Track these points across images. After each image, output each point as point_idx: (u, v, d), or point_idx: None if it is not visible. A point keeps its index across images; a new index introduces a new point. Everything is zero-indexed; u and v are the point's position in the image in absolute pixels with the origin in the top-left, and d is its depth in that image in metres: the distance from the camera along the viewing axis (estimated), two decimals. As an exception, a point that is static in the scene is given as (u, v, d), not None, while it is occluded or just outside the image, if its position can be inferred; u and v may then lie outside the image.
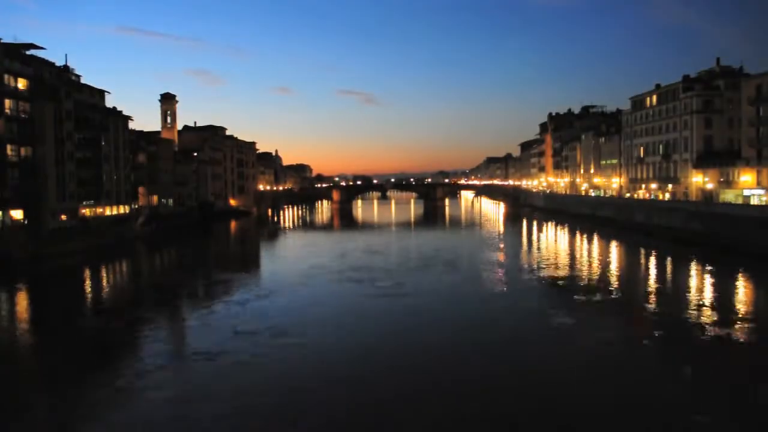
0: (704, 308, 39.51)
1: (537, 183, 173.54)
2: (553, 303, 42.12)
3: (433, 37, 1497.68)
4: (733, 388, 25.35)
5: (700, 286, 48.85)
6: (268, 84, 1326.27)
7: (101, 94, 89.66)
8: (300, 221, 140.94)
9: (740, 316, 37.53)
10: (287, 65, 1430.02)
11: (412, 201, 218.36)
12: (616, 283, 51.04)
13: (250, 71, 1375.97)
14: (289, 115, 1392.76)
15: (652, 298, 44.31)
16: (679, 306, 40.41)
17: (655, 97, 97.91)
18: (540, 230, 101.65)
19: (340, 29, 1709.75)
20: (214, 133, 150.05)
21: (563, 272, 55.23)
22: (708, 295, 44.83)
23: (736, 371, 27.44)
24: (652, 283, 50.88)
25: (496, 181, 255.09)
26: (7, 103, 66.30)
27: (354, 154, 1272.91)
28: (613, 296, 45.10)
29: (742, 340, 32.60)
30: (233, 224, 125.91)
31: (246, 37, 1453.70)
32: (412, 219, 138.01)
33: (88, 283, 57.34)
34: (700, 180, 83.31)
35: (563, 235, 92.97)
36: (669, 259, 63.18)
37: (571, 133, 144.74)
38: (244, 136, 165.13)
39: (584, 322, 36.27)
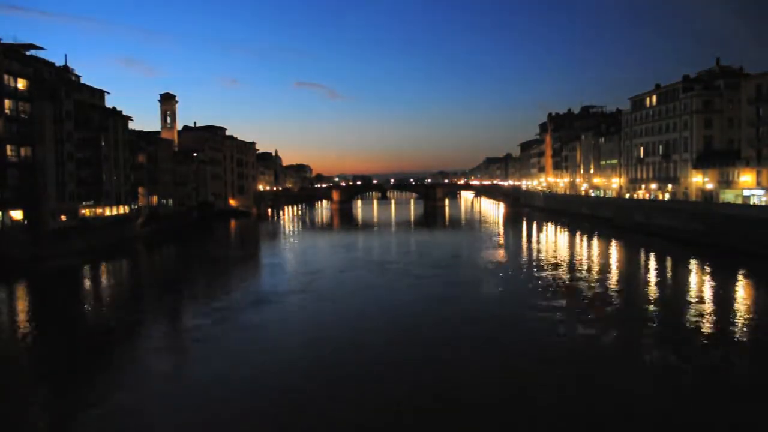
0: (701, 306, 39.55)
1: (537, 183, 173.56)
2: (551, 302, 42.15)
3: (423, 34, 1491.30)
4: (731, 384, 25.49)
5: (699, 285, 48.80)
6: (213, 75, 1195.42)
7: (101, 94, 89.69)
8: (300, 221, 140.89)
9: (738, 314, 37.55)
10: (229, 53, 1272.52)
11: (412, 201, 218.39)
12: (615, 281, 50.99)
13: (185, 60, 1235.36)
14: (244, 108, 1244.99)
15: (651, 296, 44.25)
16: (676, 304, 40.46)
17: (655, 97, 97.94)
18: (540, 230, 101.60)
19: (290, 16, 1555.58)
20: (214, 133, 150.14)
21: (562, 271, 55.19)
22: (706, 294, 44.77)
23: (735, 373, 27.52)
24: (651, 282, 50.82)
25: (495, 181, 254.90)
26: (7, 103, 66.21)
27: (329, 149, 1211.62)
28: (609, 293, 45.08)
29: (739, 337, 32.63)
30: (233, 224, 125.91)
31: (160, 17, 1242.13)
32: (412, 219, 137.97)
33: (87, 283, 57.35)
34: (700, 180, 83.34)
35: (563, 235, 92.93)
36: (668, 259, 63.16)
37: (570, 133, 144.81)
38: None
39: (570, 314, 36.36)
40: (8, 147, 66.07)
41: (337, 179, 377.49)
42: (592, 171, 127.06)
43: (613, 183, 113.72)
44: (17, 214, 66.64)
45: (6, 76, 66.08)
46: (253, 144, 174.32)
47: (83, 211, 78.85)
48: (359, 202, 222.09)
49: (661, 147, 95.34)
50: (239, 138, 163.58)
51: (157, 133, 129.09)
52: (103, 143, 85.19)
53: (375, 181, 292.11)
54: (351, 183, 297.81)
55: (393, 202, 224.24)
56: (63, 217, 73.32)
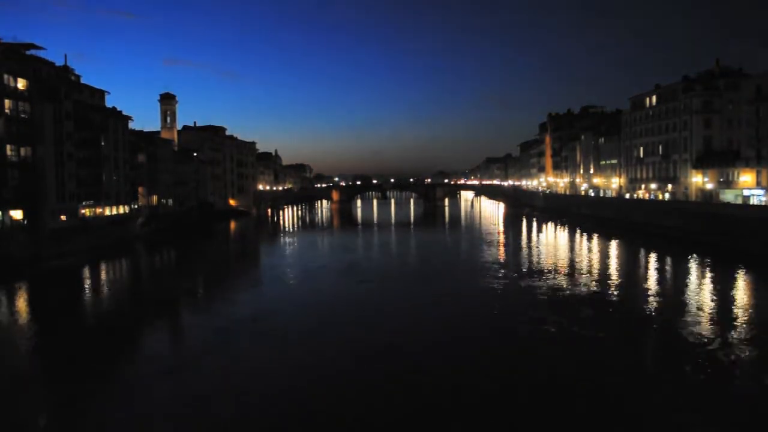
0: (700, 304, 39.59)
1: (537, 183, 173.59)
2: (549, 302, 42.21)
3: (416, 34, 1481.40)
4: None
5: (698, 285, 48.82)
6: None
7: (101, 94, 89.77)
8: (299, 221, 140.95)
9: (737, 313, 37.59)
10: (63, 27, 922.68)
11: (412, 201, 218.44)
12: (614, 280, 51.02)
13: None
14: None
15: (651, 296, 44.27)
16: (676, 305, 40.48)
17: (654, 98, 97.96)
18: (540, 231, 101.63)
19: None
20: (214, 133, 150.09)
21: (561, 270, 55.22)
22: (705, 292, 44.82)
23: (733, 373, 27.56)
24: (649, 281, 50.81)
25: (495, 182, 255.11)
26: (7, 103, 66.20)
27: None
28: (608, 292, 45.14)
29: (737, 337, 32.68)
30: (233, 225, 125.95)
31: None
32: (412, 219, 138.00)
33: (87, 283, 57.35)
34: (699, 180, 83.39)
35: (562, 235, 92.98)
36: (668, 259, 63.17)
37: (570, 133, 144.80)
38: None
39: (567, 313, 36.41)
40: (8, 147, 66.07)
41: (337, 179, 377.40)
42: (591, 171, 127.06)
43: (613, 183, 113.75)
44: (17, 214, 66.65)
45: (6, 76, 66.10)
46: (253, 144, 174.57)
47: (83, 211, 78.86)
48: (359, 202, 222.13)
49: (660, 147, 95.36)
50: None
51: (157, 133, 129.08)
52: (103, 143, 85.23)
53: (375, 181, 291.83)
54: (351, 183, 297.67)
55: (393, 202, 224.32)
56: (63, 217, 73.33)
